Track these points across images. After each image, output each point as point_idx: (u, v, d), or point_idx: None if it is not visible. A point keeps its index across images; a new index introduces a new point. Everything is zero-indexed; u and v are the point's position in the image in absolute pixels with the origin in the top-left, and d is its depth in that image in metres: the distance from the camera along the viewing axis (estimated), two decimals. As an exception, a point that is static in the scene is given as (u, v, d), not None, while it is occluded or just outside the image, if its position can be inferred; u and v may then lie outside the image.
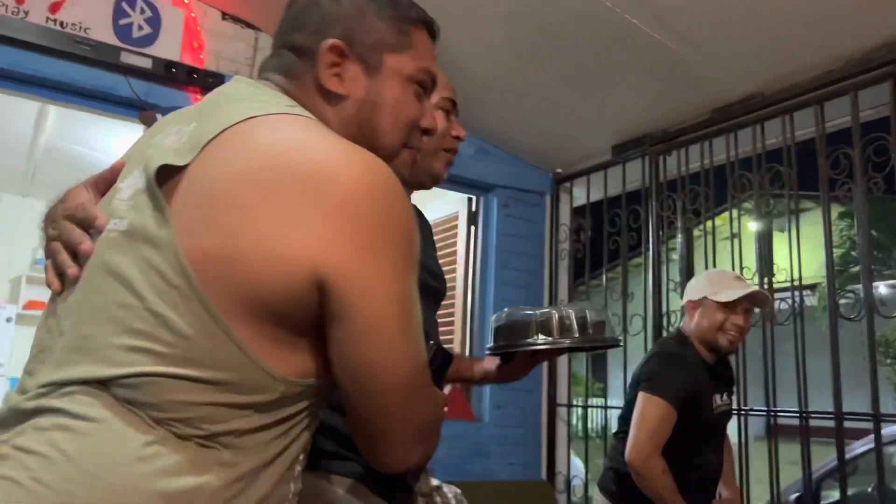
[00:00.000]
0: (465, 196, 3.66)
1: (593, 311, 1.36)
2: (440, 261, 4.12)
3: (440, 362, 1.17)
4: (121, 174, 0.87)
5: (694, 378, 2.17)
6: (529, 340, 1.34)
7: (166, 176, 0.76)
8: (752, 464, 2.63)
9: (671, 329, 2.96)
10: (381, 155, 0.82)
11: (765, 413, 2.58)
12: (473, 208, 3.66)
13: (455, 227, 3.74)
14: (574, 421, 3.93)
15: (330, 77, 0.87)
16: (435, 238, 4.13)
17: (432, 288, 1.35)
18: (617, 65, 2.74)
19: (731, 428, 2.67)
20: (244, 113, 0.78)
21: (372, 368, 0.75)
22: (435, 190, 3.62)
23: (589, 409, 3.81)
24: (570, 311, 1.32)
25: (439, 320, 3.67)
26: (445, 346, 1.17)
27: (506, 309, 1.40)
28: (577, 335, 1.32)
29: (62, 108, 3.07)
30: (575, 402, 3.69)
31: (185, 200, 0.74)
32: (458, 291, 3.60)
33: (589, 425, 3.75)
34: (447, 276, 3.85)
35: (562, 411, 3.52)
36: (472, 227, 3.64)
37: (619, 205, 3.32)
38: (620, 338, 1.40)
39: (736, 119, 2.79)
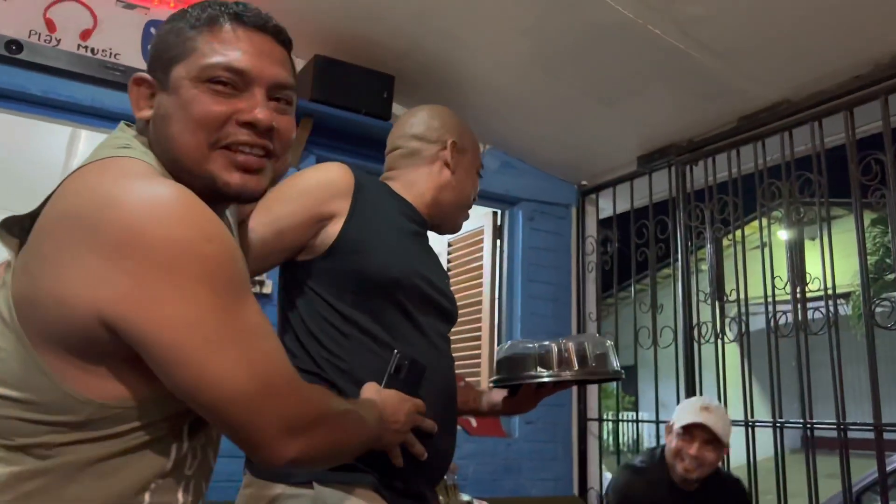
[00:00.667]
0: (490, 210, 3.66)
1: (594, 343, 1.38)
2: (466, 275, 4.15)
3: (408, 373, 1.19)
4: None
5: (642, 493, 2.28)
6: (531, 374, 1.36)
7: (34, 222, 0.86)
8: (788, 477, 2.57)
9: (701, 340, 2.92)
10: (186, 165, 0.87)
11: (801, 425, 2.53)
12: (499, 222, 3.65)
13: (480, 241, 3.73)
14: (605, 435, 3.89)
15: (139, 106, 0.92)
16: (460, 253, 4.16)
17: (444, 309, 1.40)
18: (641, 76, 2.72)
19: (768, 441, 2.63)
20: (86, 161, 0.86)
21: (191, 390, 0.78)
22: (460, 205, 3.63)
23: (620, 423, 3.76)
24: (570, 344, 1.35)
25: (466, 335, 3.67)
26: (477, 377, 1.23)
27: (508, 342, 1.44)
28: (576, 368, 1.34)
29: (94, 133, 3.14)
30: (606, 417, 3.65)
31: (25, 247, 0.85)
32: (485, 306, 3.59)
33: (620, 439, 3.70)
34: (473, 291, 3.87)
35: (593, 426, 3.48)
36: (498, 241, 3.64)
37: (646, 216, 3.29)
38: (622, 370, 1.41)
39: (763, 127, 2.76)
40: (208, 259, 0.78)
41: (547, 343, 1.39)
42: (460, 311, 3.71)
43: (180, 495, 0.88)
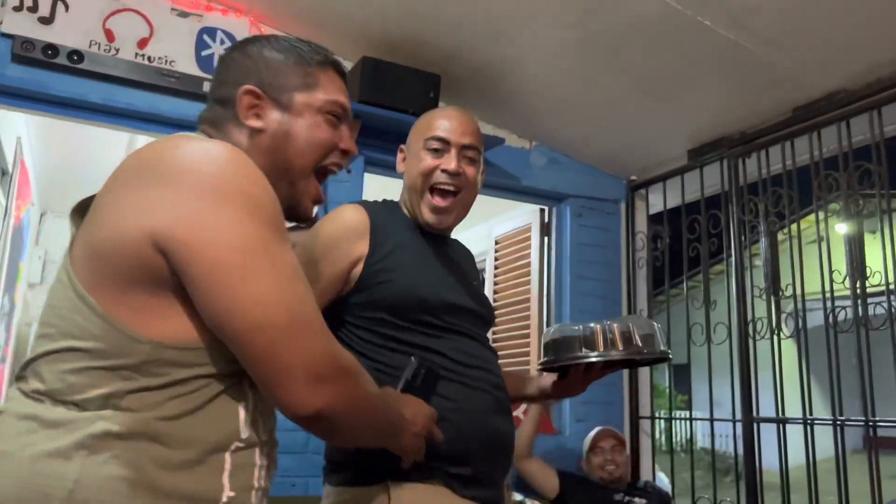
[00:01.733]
0: (538, 207, 3.65)
1: (641, 325, 1.38)
2: (514, 272, 4.15)
3: (424, 381, 1.25)
4: None
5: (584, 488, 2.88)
6: (578, 355, 1.39)
7: None
8: (850, 479, 2.50)
9: (756, 336, 2.85)
10: (293, 175, 1.04)
11: (863, 423, 2.45)
12: (546, 219, 3.64)
13: (528, 238, 3.72)
14: (657, 434, 3.83)
15: (249, 115, 1.04)
16: (508, 251, 4.16)
17: (476, 312, 1.46)
18: (690, 67, 2.68)
19: (828, 440, 2.55)
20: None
21: (224, 314, 0.84)
22: (506, 202, 3.65)
23: (673, 422, 3.70)
24: (615, 325, 1.36)
25: (515, 332, 3.67)
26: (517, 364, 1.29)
27: (554, 325, 1.46)
28: (621, 348, 1.35)
29: (150, 138, 3.24)
30: (658, 415, 3.60)
31: (87, 214, 0.95)
32: (534, 303, 3.58)
33: (673, 438, 3.65)
34: (521, 289, 3.86)
35: (645, 424, 3.43)
36: (546, 238, 3.62)
37: (698, 210, 3.23)
38: (669, 351, 1.40)
39: (819, 117, 2.69)
40: (254, 197, 0.88)
41: (592, 325, 1.41)
42: (510, 309, 3.74)
43: (257, 458, 0.92)
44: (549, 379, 1.57)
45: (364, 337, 1.37)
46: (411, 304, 1.37)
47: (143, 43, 2.69)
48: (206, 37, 2.79)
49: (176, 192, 0.85)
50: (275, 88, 1.06)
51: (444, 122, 1.50)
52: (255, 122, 1.04)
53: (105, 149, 4.21)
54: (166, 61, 2.71)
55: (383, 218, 1.44)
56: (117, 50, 2.64)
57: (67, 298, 0.88)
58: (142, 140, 3.90)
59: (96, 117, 2.69)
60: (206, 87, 2.72)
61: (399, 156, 1.56)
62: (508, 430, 1.39)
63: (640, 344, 1.35)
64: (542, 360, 1.50)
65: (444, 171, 1.46)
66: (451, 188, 1.47)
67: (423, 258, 1.46)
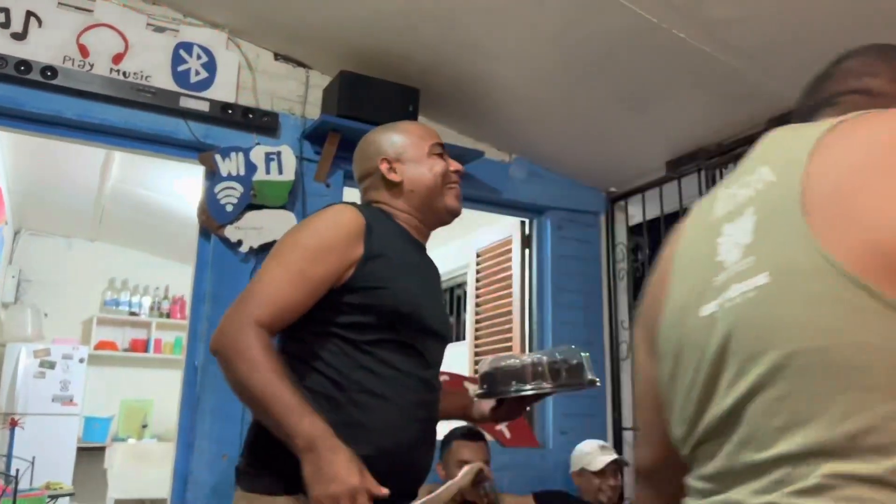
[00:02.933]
0: (518, 219, 3.65)
1: (569, 355, 1.53)
2: (495, 285, 4.14)
3: None
4: (674, 270, 0.90)
5: None
6: (512, 388, 1.51)
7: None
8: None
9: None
10: None
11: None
12: (527, 231, 3.64)
13: (509, 251, 3.72)
14: (641, 445, 3.84)
15: None
16: (489, 263, 4.16)
17: (441, 334, 1.55)
18: (667, 80, 2.71)
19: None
20: (826, 125, 0.77)
21: None
22: (487, 214, 3.65)
23: (655, 433, 3.71)
24: (544, 358, 1.50)
25: (497, 345, 3.65)
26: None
27: (489, 357, 1.59)
28: (550, 381, 1.50)
29: (126, 154, 3.21)
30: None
31: (819, 211, 0.69)
32: (515, 316, 3.57)
33: (656, 449, 3.65)
34: (503, 301, 3.85)
35: (628, 435, 3.43)
36: (527, 251, 3.62)
37: (677, 221, 3.25)
38: (597, 379, 1.54)
39: (794, 128, 2.72)
40: None
41: (525, 359, 1.54)
42: (491, 322, 3.74)
43: None
44: (487, 405, 1.67)
45: (336, 341, 1.38)
46: (397, 317, 1.40)
47: (118, 58, 2.66)
48: (182, 52, 2.77)
49: None
50: None
51: (431, 129, 1.67)
52: None
53: (80, 165, 4.16)
54: (142, 76, 2.69)
55: (377, 222, 1.47)
56: (92, 65, 2.61)
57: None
58: (118, 156, 3.86)
59: (71, 134, 2.65)
60: (183, 102, 2.70)
61: (384, 166, 1.57)
62: (427, 463, 1.47)
63: (565, 375, 1.49)
64: (478, 391, 1.61)
65: (454, 171, 1.60)
66: (459, 184, 1.63)
67: (416, 270, 1.51)
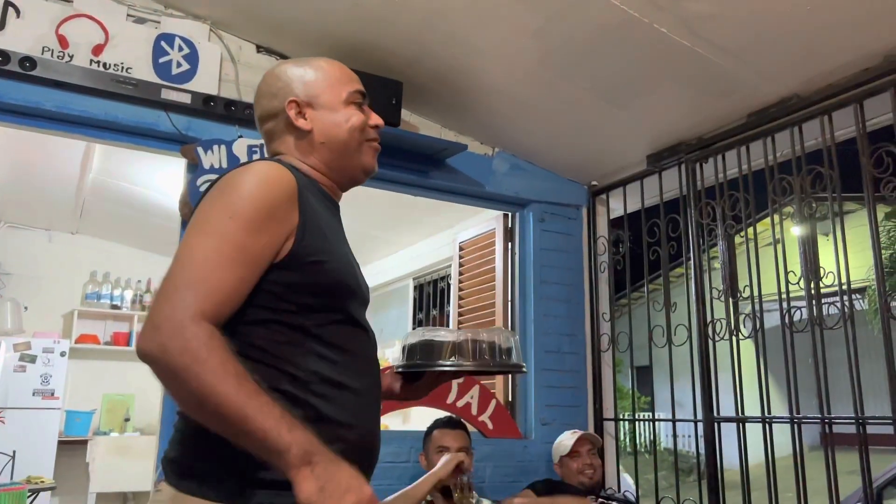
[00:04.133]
0: (501, 213, 3.67)
1: (500, 337, 1.44)
2: (478, 278, 4.15)
3: None
4: None
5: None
6: (440, 362, 1.40)
7: None
8: (808, 475, 2.56)
9: (716, 337, 2.91)
10: None
11: (819, 421, 2.51)
12: (509, 224, 3.66)
13: (492, 244, 3.74)
14: (622, 436, 3.88)
15: None
16: (472, 256, 4.17)
17: (366, 299, 1.36)
18: (649, 75, 2.73)
19: (786, 438, 2.61)
20: None
21: None
22: (469, 208, 3.67)
23: (637, 423, 3.75)
24: (468, 335, 1.40)
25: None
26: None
27: (414, 330, 1.47)
28: (472, 360, 1.39)
29: (107, 147, 3.18)
30: (622, 417, 3.64)
31: None
32: (498, 308, 3.59)
33: (637, 440, 3.69)
34: (486, 294, 3.87)
35: (609, 426, 3.47)
36: (509, 244, 3.64)
37: (658, 215, 3.29)
38: (523, 364, 1.46)
39: (773, 122, 2.75)
40: None
41: (450, 335, 1.44)
42: (474, 315, 3.75)
43: None
44: (396, 380, 1.54)
45: (276, 322, 1.16)
46: (344, 293, 1.23)
47: (98, 49, 2.64)
48: (163, 43, 2.75)
49: None
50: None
51: (351, 73, 1.41)
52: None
53: (60, 158, 4.12)
54: (122, 68, 2.67)
55: (303, 183, 1.24)
56: (71, 56, 2.59)
57: None
58: (99, 149, 3.83)
59: (51, 125, 2.63)
60: (165, 93, 2.68)
61: (292, 110, 1.33)
62: (379, 443, 1.31)
63: (488, 356, 1.39)
64: (400, 363, 1.50)
65: (373, 126, 1.39)
66: (378, 140, 1.42)
67: (341, 237, 1.32)
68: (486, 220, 3.83)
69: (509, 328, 3.51)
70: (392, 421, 3.84)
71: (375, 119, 1.39)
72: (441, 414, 2.89)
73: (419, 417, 3.45)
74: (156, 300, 1.05)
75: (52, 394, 5.26)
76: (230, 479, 1.11)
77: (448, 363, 1.37)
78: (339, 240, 1.29)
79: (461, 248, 4.09)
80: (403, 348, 1.50)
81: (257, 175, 1.17)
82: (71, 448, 5.36)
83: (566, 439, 3.05)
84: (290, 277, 1.15)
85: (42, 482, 4.26)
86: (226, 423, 1.02)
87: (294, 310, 1.16)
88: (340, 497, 1.01)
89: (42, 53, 2.54)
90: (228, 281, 1.08)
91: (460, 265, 4.07)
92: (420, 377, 1.52)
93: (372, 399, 1.28)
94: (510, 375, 3.41)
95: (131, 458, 5.21)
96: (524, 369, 1.48)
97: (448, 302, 4.79)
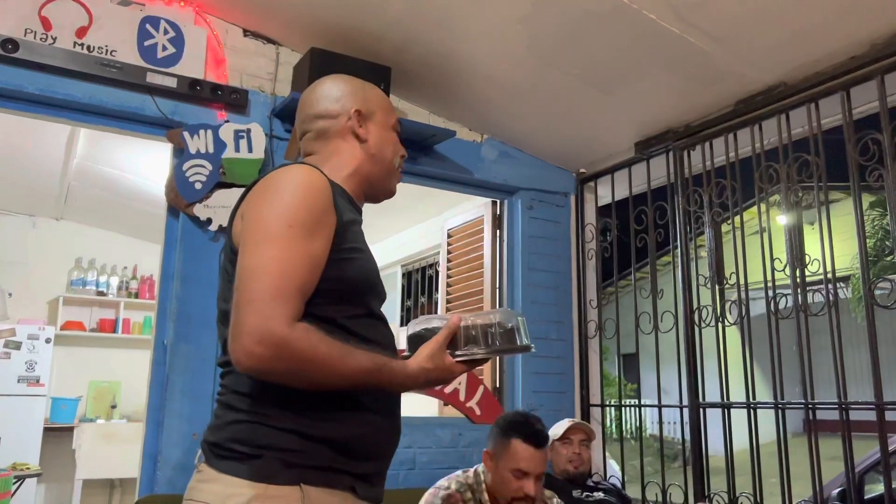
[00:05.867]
0: (489, 200, 3.67)
1: (505, 318, 1.40)
2: (467, 265, 4.14)
3: None
4: None
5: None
6: (457, 352, 1.37)
7: None
8: (791, 461, 2.59)
9: (702, 324, 2.93)
10: None
11: (803, 406, 2.54)
12: (498, 212, 3.66)
13: (480, 231, 3.74)
14: (608, 422, 3.90)
15: None
16: (460, 243, 4.17)
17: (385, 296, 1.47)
18: (637, 61, 2.73)
19: (770, 423, 2.64)
20: None
21: None
22: (458, 195, 3.66)
23: (623, 410, 3.77)
24: (478, 321, 1.38)
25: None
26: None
27: (418, 318, 1.46)
28: (482, 347, 1.37)
29: (92, 131, 3.15)
30: (608, 403, 3.67)
31: None
32: (486, 295, 3.60)
33: (623, 426, 3.72)
34: (474, 281, 3.87)
35: (595, 412, 3.49)
36: (498, 231, 3.65)
37: (645, 202, 3.30)
38: (531, 344, 1.43)
39: (760, 110, 2.76)
40: None
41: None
42: (462, 301, 3.75)
43: None
44: None
45: (308, 321, 1.21)
46: (367, 287, 1.32)
47: (81, 32, 2.60)
48: (148, 26, 2.72)
49: None
50: None
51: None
52: None
53: (44, 142, 4.07)
54: (107, 51, 2.64)
55: (332, 186, 1.32)
56: (55, 38, 2.55)
57: None
58: (84, 133, 3.79)
59: (34, 109, 2.59)
60: (150, 77, 2.65)
61: (356, 118, 1.42)
62: (401, 429, 1.39)
63: (499, 340, 1.38)
64: (406, 352, 1.50)
65: (402, 156, 1.52)
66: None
67: (362, 234, 1.38)
68: (475, 207, 3.83)
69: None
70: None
71: (403, 150, 1.52)
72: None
73: (407, 403, 3.44)
74: (244, 314, 1.13)
75: (38, 381, 5.23)
76: (271, 461, 1.18)
77: (461, 352, 1.35)
78: (364, 240, 1.36)
79: (449, 236, 4.09)
80: (407, 338, 1.48)
81: (301, 182, 1.25)
82: (57, 435, 5.34)
83: (561, 425, 3.02)
84: (325, 273, 1.23)
85: (28, 469, 4.25)
86: (349, 387, 1.20)
87: (324, 302, 1.23)
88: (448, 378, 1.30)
89: (25, 35, 2.50)
90: (302, 284, 1.18)
91: (448, 252, 4.07)
92: None
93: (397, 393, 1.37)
94: (498, 360, 3.43)
95: (118, 444, 5.19)
96: (532, 348, 1.45)
97: (436, 289, 4.79)
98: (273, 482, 1.16)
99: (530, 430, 2.29)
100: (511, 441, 2.27)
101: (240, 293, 1.14)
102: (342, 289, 1.26)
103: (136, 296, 6.07)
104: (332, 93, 1.45)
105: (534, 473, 2.24)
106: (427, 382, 1.29)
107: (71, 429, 5.42)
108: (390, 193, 1.51)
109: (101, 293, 5.95)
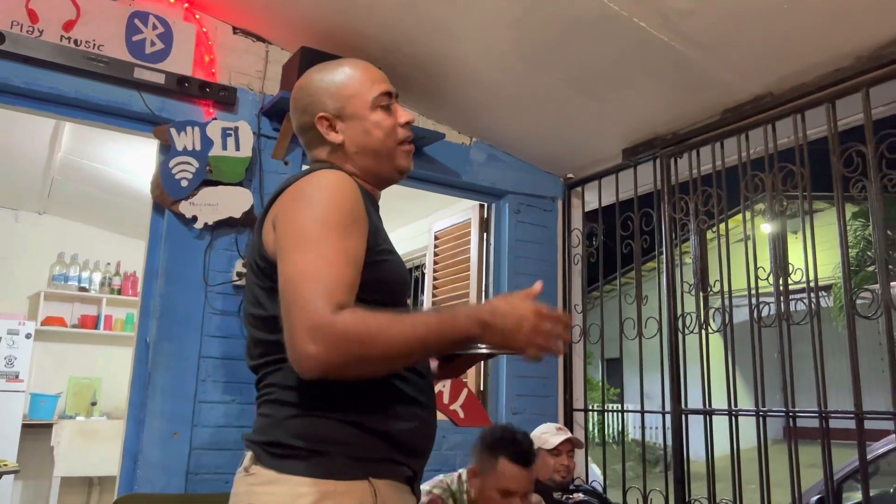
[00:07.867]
0: (477, 203, 3.67)
1: None
2: (453, 267, 4.14)
3: None
4: None
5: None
6: (472, 347, 1.34)
7: None
8: (771, 468, 2.61)
9: (685, 330, 2.94)
10: None
11: (783, 414, 2.56)
12: (485, 215, 3.66)
13: (467, 234, 3.74)
14: (591, 427, 3.92)
15: None
16: (447, 246, 4.16)
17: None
18: (626, 68, 2.74)
19: (751, 430, 2.66)
20: None
21: None
22: (446, 197, 3.66)
23: (606, 415, 3.79)
24: None
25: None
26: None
27: None
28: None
29: (77, 125, 3.11)
30: (591, 408, 3.68)
31: None
32: (472, 298, 3.60)
33: (606, 431, 3.73)
34: (460, 283, 3.85)
35: (578, 416, 3.50)
36: (485, 234, 3.65)
37: (632, 208, 3.31)
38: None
39: (747, 119, 2.79)
40: None
41: None
42: (449, 303, 3.74)
43: None
44: (435, 363, 1.55)
45: None
46: (400, 287, 1.33)
47: (69, 25, 2.58)
48: (137, 21, 2.70)
49: None
50: None
51: (377, 73, 1.43)
52: None
53: (28, 136, 4.03)
54: (94, 45, 2.61)
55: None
56: (41, 32, 2.53)
57: None
58: (69, 127, 3.75)
59: (19, 102, 2.57)
60: (137, 73, 2.63)
61: (322, 125, 1.37)
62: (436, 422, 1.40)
63: None
64: None
65: (404, 125, 1.41)
66: (411, 138, 1.45)
67: (385, 230, 1.38)
68: (462, 210, 3.83)
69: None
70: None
71: (404, 116, 1.41)
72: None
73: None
74: (294, 320, 1.10)
75: (17, 376, 5.16)
76: (336, 457, 1.17)
77: (484, 347, 1.31)
78: (390, 241, 1.36)
79: (436, 238, 4.09)
80: None
81: (330, 186, 1.24)
82: (35, 431, 5.27)
83: (551, 435, 2.95)
84: (363, 275, 1.21)
85: (5, 465, 4.19)
86: (416, 351, 1.16)
87: (363, 304, 1.19)
88: (519, 323, 1.16)
89: (11, 28, 2.48)
90: (347, 282, 1.15)
91: (435, 254, 4.07)
92: (454, 358, 1.53)
93: (432, 380, 1.38)
94: (482, 364, 3.43)
95: (98, 442, 5.13)
96: None
97: (422, 291, 4.78)
98: (341, 478, 1.15)
99: (518, 448, 2.25)
100: (498, 460, 2.22)
101: (287, 301, 1.13)
102: (381, 290, 1.25)
103: (119, 292, 6.02)
104: (301, 102, 1.41)
105: (521, 492, 2.21)
106: (492, 317, 1.16)
107: (50, 425, 5.35)
108: (402, 171, 1.43)
109: (83, 289, 5.89)
